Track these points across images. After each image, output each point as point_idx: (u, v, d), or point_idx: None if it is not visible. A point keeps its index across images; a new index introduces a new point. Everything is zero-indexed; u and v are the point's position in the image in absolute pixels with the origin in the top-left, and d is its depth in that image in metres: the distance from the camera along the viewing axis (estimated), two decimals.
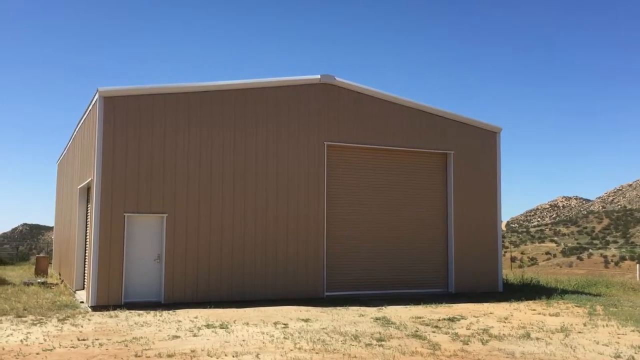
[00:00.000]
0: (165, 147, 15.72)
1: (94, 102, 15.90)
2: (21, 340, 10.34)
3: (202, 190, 16.03)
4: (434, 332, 11.79)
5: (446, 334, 11.59)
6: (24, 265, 33.63)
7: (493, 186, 19.87)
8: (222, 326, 12.01)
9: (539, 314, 14.64)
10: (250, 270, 16.40)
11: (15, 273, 26.46)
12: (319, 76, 17.61)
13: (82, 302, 15.66)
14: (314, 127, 17.50)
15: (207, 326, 12.00)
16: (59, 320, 12.64)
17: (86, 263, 18.46)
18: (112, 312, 13.85)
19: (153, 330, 11.48)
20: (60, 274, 24.25)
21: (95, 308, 14.46)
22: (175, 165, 15.78)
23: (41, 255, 28.01)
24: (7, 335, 10.80)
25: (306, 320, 12.95)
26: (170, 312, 13.97)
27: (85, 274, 18.37)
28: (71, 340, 10.39)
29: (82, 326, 11.92)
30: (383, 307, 15.39)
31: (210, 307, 14.69)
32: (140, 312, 13.95)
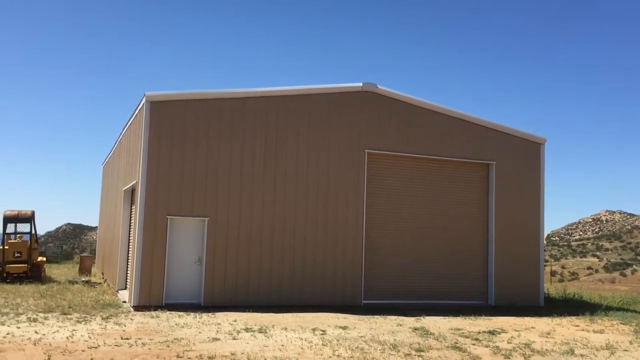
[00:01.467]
0: (208, 151, 15.97)
1: (140, 106, 16.29)
2: (67, 337, 10.63)
3: (243, 195, 16.22)
4: (474, 344, 11.62)
5: (487, 347, 11.41)
6: (68, 263, 34.55)
7: (536, 198, 19.51)
8: (260, 330, 12.10)
9: (583, 330, 14.28)
10: (288, 275, 16.48)
11: (60, 271, 27.22)
12: (361, 84, 17.65)
13: (124, 301, 15.99)
14: (355, 135, 17.52)
15: (246, 330, 12.11)
16: (102, 318, 12.94)
17: (129, 264, 18.87)
18: (153, 313, 14.11)
19: (193, 332, 11.65)
20: (103, 274, 24.81)
21: (137, 308, 14.75)
22: (217, 169, 16.01)
23: (85, 254, 28.72)
24: (54, 332, 11.11)
25: (344, 328, 12.93)
26: (210, 314, 14.14)
27: (128, 275, 18.77)
28: (115, 339, 10.63)
29: (125, 325, 12.18)
30: (421, 317, 15.25)
31: (249, 311, 14.81)
32: (181, 313, 14.17)
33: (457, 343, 11.61)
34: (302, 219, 16.76)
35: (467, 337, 12.48)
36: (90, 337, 10.70)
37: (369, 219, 17.62)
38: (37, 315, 12.94)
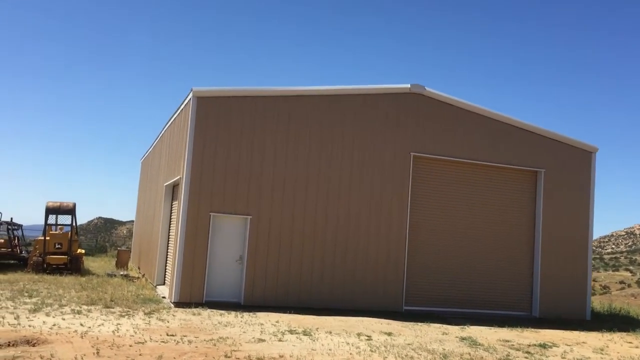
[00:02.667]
0: (253, 149, 15.79)
1: (186, 101, 16.20)
2: (113, 331, 10.52)
3: (286, 194, 16.00)
4: (526, 358, 11.17)
5: None
6: (102, 257, 34.87)
7: (585, 208, 18.86)
8: (305, 333, 11.84)
9: (637, 347, 13.67)
10: (329, 278, 16.20)
11: (96, 264, 27.40)
12: (408, 85, 17.28)
13: (163, 297, 15.90)
14: (401, 137, 17.17)
15: (290, 332, 11.86)
16: (145, 313, 12.84)
17: (167, 259, 18.83)
18: (194, 310, 13.96)
19: (237, 332, 11.45)
20: (139, 268, 24.90)
21: (177, 304, 14.63)
22: (261, 167, 15.82)
23: (122, 248, 28.90)
24: (99, 325, 11.03)
25: (389, 334, 12.60)
26: (251, 314, 13.95)
27: (167, 270, 18.72)
28: (160, 335, 10.48)
29: (168, 321, 12.05)
30: (466, 327, 14.82)
31: (290, 313, 14.56)
32: (222, 312, 14.00)
33: (508, 356, 11.17)
34: (345, 221, 16.47)
35: (517, 349, 12.02)
36: (135, 332, 10.58)
37: (412, 224, 17.23)
38: (80, 308, 12.91)
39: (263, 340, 10.73)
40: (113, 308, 13.25)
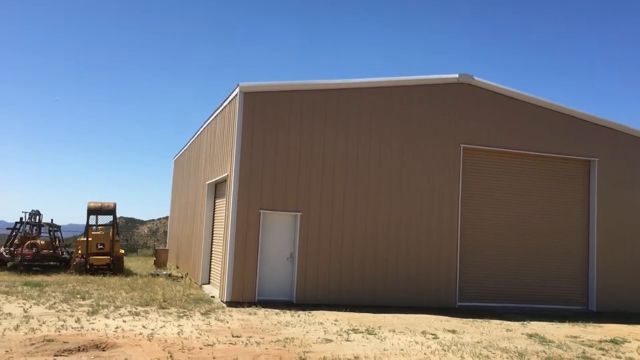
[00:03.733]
0: (301, 144, 15.45)
1: (232, 97, 15.91)
2: (177, 333, 10.27)
3: (336, 190, 15.64)
4: (603, 355, 10.69)
5: (619, 358, 10.47)
6: (133, 256, 34.76)
7: None
8: (369, 332, 11.48)
9: None
10: (382, 274, 15.82)
11: (133, 264, 27.25)
12: (457, 75, 16.80)
13: (212, 296, 15.66)
14: (450, 128, 16.70)
15: (354, 331, 11.51)
16: (201, 314, 12.59)
17: (212, 258, 18.60)
18: (249, 309, 13.68)
19: (300, 332, 11.13)
20: (177, 267, 24.76)
21: (229, 304, 14.37)
22: (310, 163, 15.48)
23: (160, 247, 28.81)
24: (161, 327, 10.79)
25: (453, 332, 12.19)
26: (307, 313, 13.63)
27: (211, 269, 18.50)
28: (225, 336, 10.21)
29: (227, 322, 11.77)
30: (526, 322, 14.34)
31: (345, 311, 14.21)
32: (277, 310, 13.71)
33: (584, 353, 10.70)
34: (396, 216, 16.06)
35: (589, 346, 11.53)
36: (200, 334, 10.31)
37: (463, 217, 16.77)
38: (136, 309, 12.70)
39: (330, 341, 10.39)
40: (168, 309, 13.02)
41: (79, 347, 8.76)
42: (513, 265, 17.25)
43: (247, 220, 14.93)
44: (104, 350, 8.72)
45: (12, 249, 22.11)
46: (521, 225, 17.43)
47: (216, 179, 17.62)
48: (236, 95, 15.29)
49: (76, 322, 10.85)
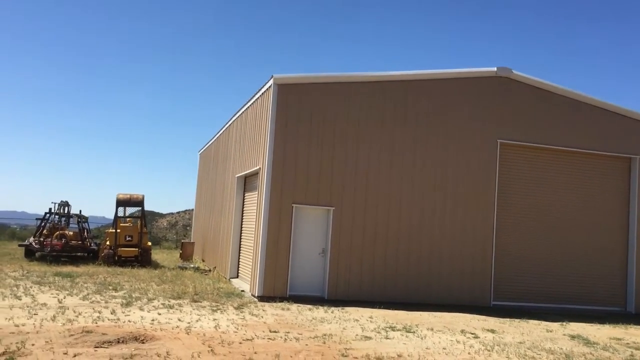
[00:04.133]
0: (335, 138, 15.19)
1: (265, 89, 15.69)
2: (214, 327, 10.10)
3: (369, 185, 15.36)
4: None
5: None
6: (156, 249, 34.66)
7: None
8: (407, 330, 11.20)
9: None
10: (415, 272, 15.51)
11: (159, 256, 27.15)
12: (495, 69, 16.40)
13: (242, 290, 15.49)
14: (487, 123, 16.31)
15: (392, 328, 11.24)
16: (235, 308, 12.42)
17: (240, 252, 18.43)
18: (282, 305, 13.48)
19: (337, 328, 10.89)
20: (203, 260, 24.67)
21: (261, 298, 14.18)
22: (344, 157, 15.21)
23: (186, 240, 28.77)
24: (196, 321, 10.63)
25: (493, 332, 11.86)
26: (340, 309, 13.38)
27: (240, 263, 18.34)
28: (263, 331, 10.01)
29: (262, 317, 11.59)
30: (565, 323, 13.94)
31: (378, 307, 13.94)
32: (310, 306, 13.48)
33: (633, 355, 10.32)
34: (430, 212, 15.73)
35: (636, 349, 11.13)
36: (237, 328, 10.13)
37: (499, 215, 16.38)
38: (169, 302, 12.57)
39: (369, 338, 10.14)
40: (201, 302, 12.87)
41: (118, 339, 8.62)
42: (550, 265, 16.82)
43: (279, 215, 14.71)
44: (143, 343, 8.56)
45: (41, 239, 22.20)
46: (558, 223, 16.98)
47: (246, 172, 17.43)
48: (270, 87, 15.06)
49: (112, 313, 10.74)
